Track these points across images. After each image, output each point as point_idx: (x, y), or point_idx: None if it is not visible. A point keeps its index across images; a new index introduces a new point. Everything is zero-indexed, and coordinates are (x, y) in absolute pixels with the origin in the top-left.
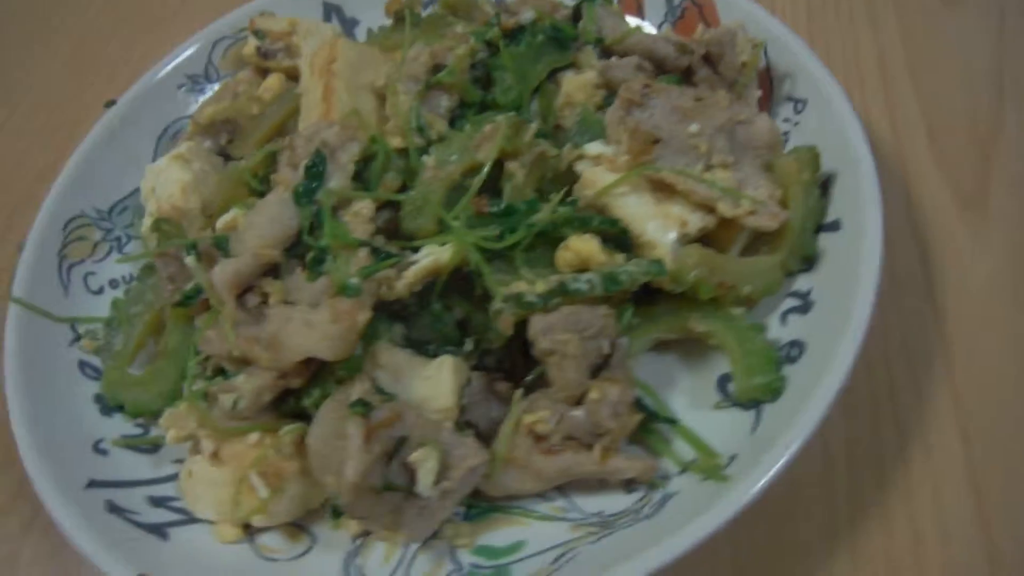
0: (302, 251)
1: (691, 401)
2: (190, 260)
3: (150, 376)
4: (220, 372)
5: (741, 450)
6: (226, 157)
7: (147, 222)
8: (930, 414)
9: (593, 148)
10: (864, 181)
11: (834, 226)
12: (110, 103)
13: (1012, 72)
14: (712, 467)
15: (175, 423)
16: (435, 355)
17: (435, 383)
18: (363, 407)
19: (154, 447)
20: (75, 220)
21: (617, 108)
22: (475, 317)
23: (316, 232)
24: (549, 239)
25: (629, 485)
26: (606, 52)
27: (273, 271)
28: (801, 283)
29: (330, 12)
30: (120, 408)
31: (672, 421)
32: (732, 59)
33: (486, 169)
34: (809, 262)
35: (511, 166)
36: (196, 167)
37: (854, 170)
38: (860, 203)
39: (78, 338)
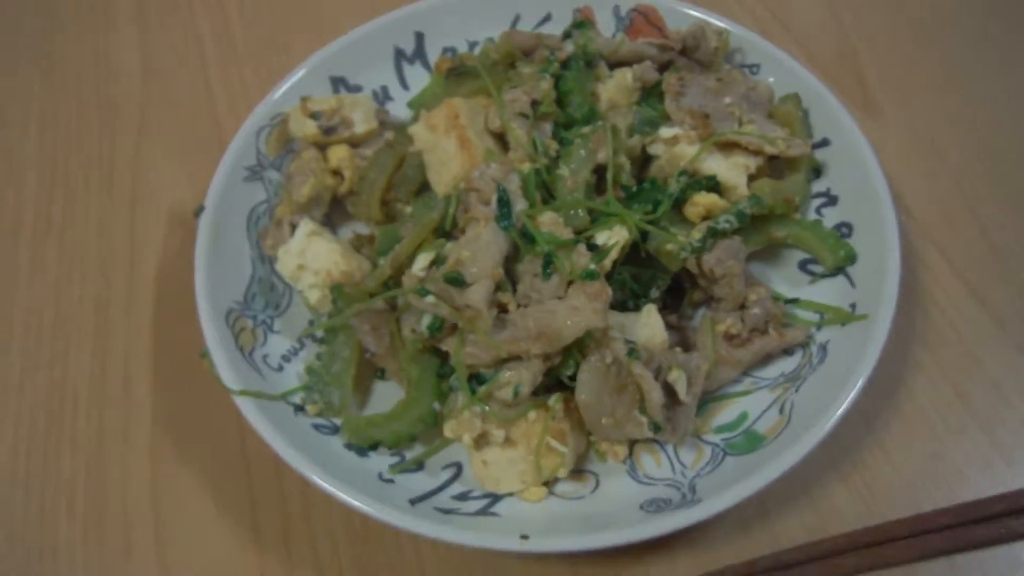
0: (509, 266)
1: (791, 287)
2: (430, 299)
3: (402, 409)
4: (472, 378)
5: (857, 299)
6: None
7: (313, 294)
8: None
9: (666, 132)
10: (835, 109)
11: (825, 142)
12: (199, 209)
13: None
14: (845, 314)
15: (465, 429)
16: (636, 308)
17: (650, 327)
18: (637, 353)
19: (419, 465)
20: (230, 315)
21: (670, 100)
22: (643, 274)
23: (525, 246)
24: (676, 203)
25: (788, 351)
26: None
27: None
28: (819, 186)
29: (337, 83)
30: (373, 447)
31: (795, 300)
32: (707, 47)
33: (611, 165)
34: (817, 171)
35: (619, 160)
36: (328, 237)
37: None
38: (841, 124)
39: (300, 408)
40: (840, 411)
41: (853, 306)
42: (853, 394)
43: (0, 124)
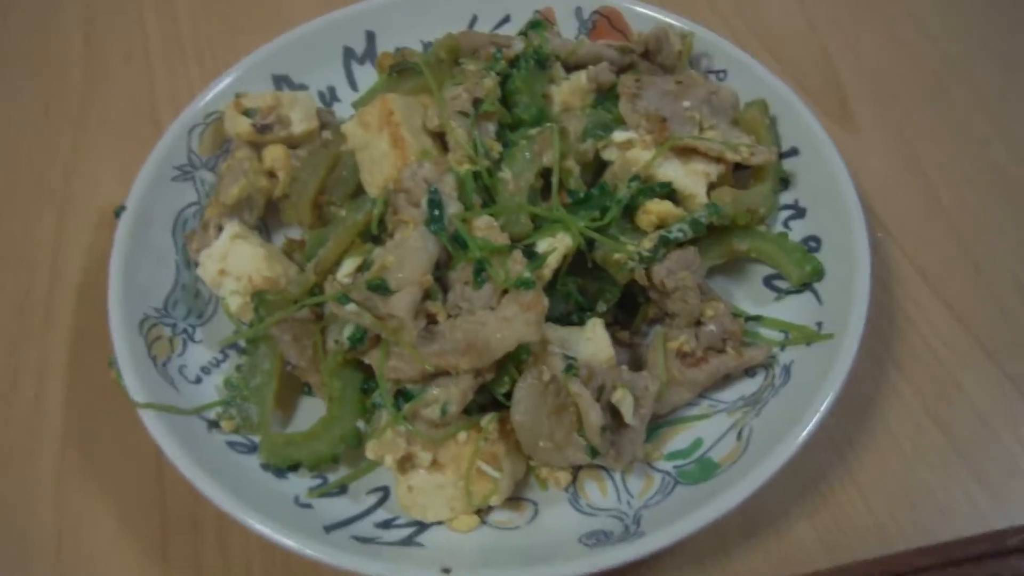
0: (441, 273)
1: (755, 303)
2: (352, 307)
3: (323, 427)
4: (399, 395)
5: (823, 317)
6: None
7: (234, 302)
8: None
9: (619, 136)
10: (804, 117)
11: (793, 152)
12: (120, 209)
13: None
14: (811, 334)
15: (387, 450)
16: (580, 322)
17: (594, 342)
18: (575, 370)
19: (342, 488)
20: (145, 322)
21: (625, 102)
22: (589, 286)
23: (457, 252)
24: (628, 211)
25: (749, 372)
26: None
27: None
28: (787, 197)
29: (280, 82)
30: (292, 468)
31: (758, 317)
32: (670, 50)
33: (556, 168)
34: (785, 182)
35: (567, 163)
36: (255, 240)
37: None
38: (810, 133)
39: (215, 424)
40: (802, 437)
41: (820, 324)
42: (816, 419)
43: None
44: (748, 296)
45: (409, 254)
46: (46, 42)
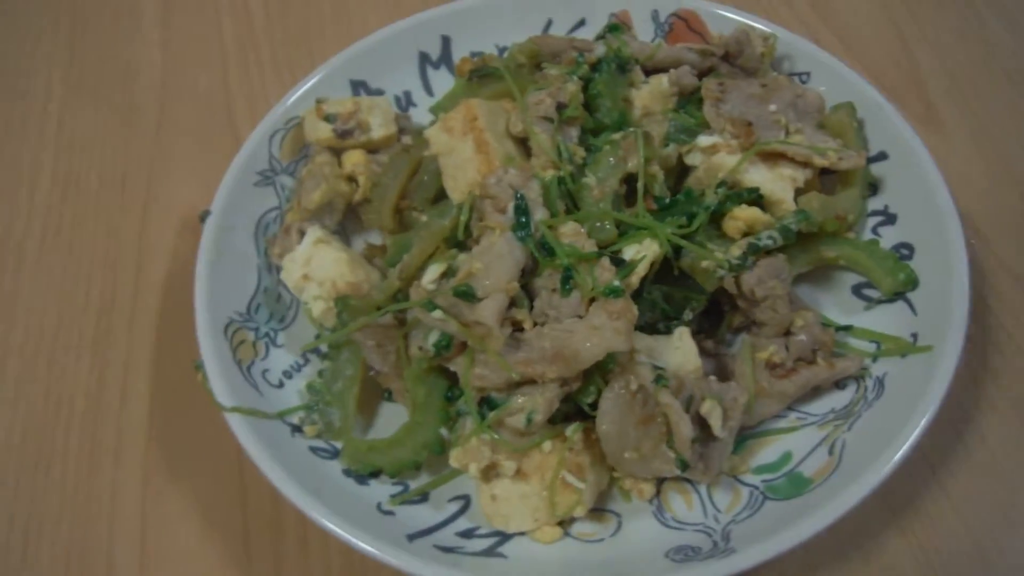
0: (526, 280)
1: (844, 313)
2: (438, 314)
3: (405, 433)
4: (483, 402)
5: (918, 328)
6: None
7: (317, 307)
8: None
9: (704, 140)
10: (893, 120)
11: (882, 156)
12: (205, 213)
13: None
14: (906, 346)
15: (471, 458)
16: (667, 331)
17: (682, 351)
18: (664, 380)
19: (423, 496)
20: (229, 326)
21: (710, 106)
22: (675, 294)
23: (544, 259)
24: (714, 217)
25: (839, 384)
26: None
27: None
28: (875, 203)
29: (357, 87)
30: (374, 474)
31: (848, 327)
32: (752, 53)
33: (641, 174)
34: (874, 187)
35: (652, 169)
36: (337, 245)
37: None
38: (900, 136)
39: (298, 429)
40: (899, 454)
41: (915, 336)
42: (915, 435)
43: (16, 128)
44: (837, 305)
45: (496, 261)
46: (125, 50)
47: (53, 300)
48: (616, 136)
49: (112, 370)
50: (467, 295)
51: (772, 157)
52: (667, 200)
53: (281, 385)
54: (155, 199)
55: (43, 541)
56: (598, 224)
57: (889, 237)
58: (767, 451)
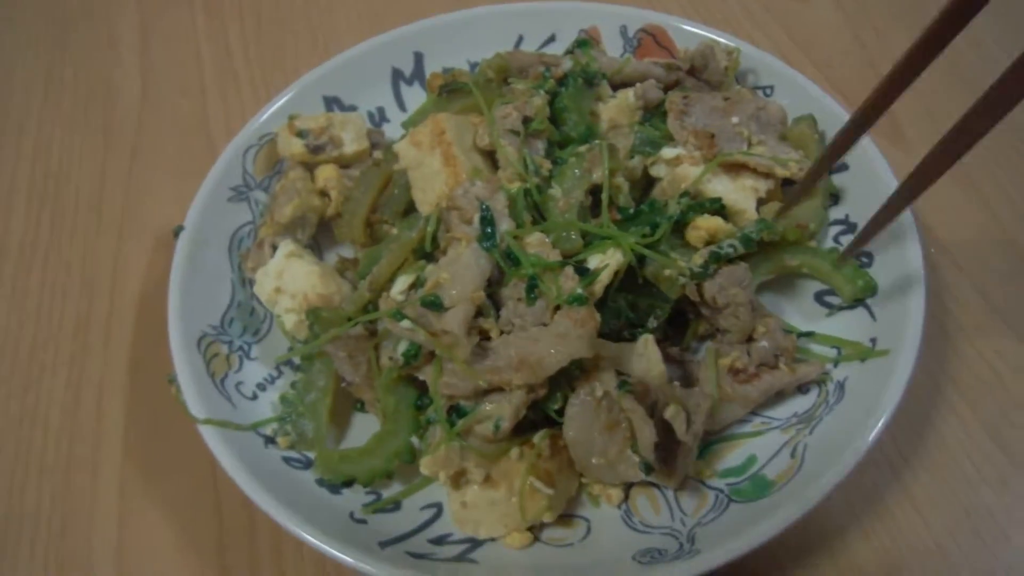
0: (493, 290)
1: (806, 319)
2: (406, 324)
3: (377, 443)
4: (452, 411)
5: (877, 333)
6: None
7: (289, 319)
8: None
9: (668, 152)
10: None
11: (843, 167)
12: (178, 229)
13: None
14: (865, 350)
15: (441, 466)
16: (632, 338)
17: (646, 358)
18: (628, 386)
19: (396, 505)
20: (203, 340)
21: (673, 119)
22: (640, 302)
23: (509, 269)
24: (677, 227)
25: (801, 388)
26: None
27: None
28: (836, 213)
29: (331, 103)
30: (347, 484)
31: (810, 333)
32: (716, 67)
33: (606, 185)
34: (835, 197)
35: (616, 180)
36: (309, 259)
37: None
38: (860, 148)
39: (271, 440)
40: (858, 455)
41: (873, 340)
42: (873, 436)
43: None
44: (799, 312)
45: (462, 271)
46: (103, 70)
47: (30, 320)
48: (582, 148)
49: (88, 386)
50: (434, 305)
51: (735, 168)
52: (631, 210)
53: (255, 397)
54: (132, 219)
55: (20, 555)
56: (564, 234)
57: None
58: (732, 455)
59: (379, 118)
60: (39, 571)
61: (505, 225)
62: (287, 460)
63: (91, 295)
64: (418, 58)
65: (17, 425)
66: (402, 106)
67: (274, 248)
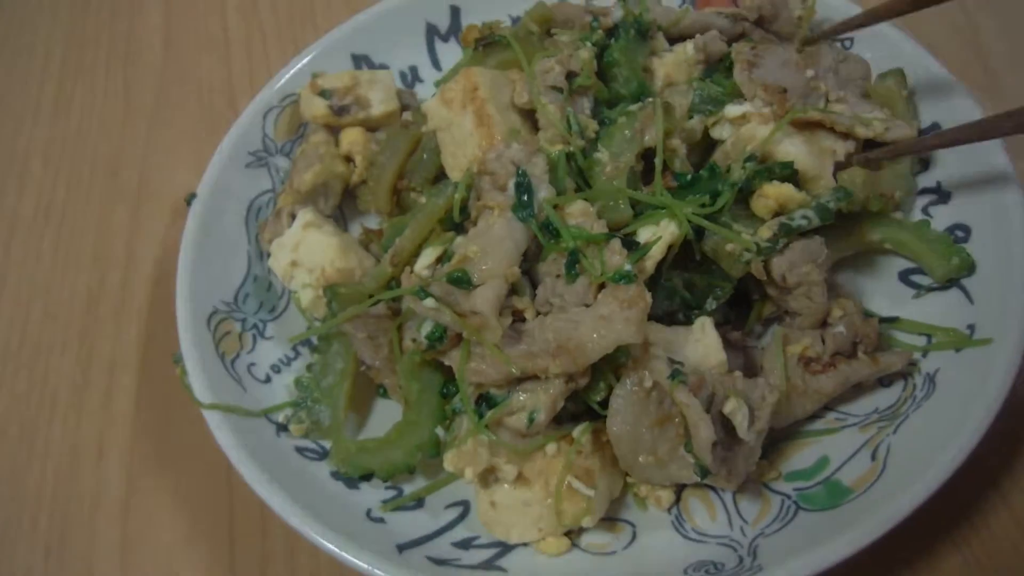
0: (529, 265)
1: (890, 302)
2: (430, 302)
3: (398, 433)
4: (481, 400)
5: (975, 318)
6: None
7: (306, 295)
8: None
9: (733, 110)
10: (949, 87)
11: (934, 128)
12: (191, 197)
13: None
14: (961, 338)
15: (467, 461)
16: (687, 322)
17: (703, 344)
18: (682, 376)
19: (418, 502)
20: (213, 317)
21: (741, 71)
22: (698, 281)
23: (548, 242)
24: (741, 195)
25: (883, 381)
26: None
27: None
28: (926, 180)
29: (359, 62)
30: (365, 477)
31: (894, 319)
32: (788, 16)
33: (660, 148)
34: (924, 162)
35: (672, 143)
36: (329, 229)
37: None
38: (955, 106)
39: (283, 428)
40: (954, 460)
41: (971, 327)
42: (971, 439)
43: (9, 109)
44: (883, 294)
45: (494, 244)
46: (126, 28)
47: (40, 291)
48: (633, 107)
49: (98, 363)
50: (462, 281)
51: (809, 127)
52: (689, 177)
53: (268, 380)
54: (149, 185)
55: (21, 538)
56: (611, 203)
57: (942, 217)
58: (801, 456)
59: (412, 78)
60: (39, 560)
61: (544, 192)
62: (300, 450)
63: (103, 267)
64: (454, 12)
65: (24, 402)
66: (437, 65)
67: (293, 218)
